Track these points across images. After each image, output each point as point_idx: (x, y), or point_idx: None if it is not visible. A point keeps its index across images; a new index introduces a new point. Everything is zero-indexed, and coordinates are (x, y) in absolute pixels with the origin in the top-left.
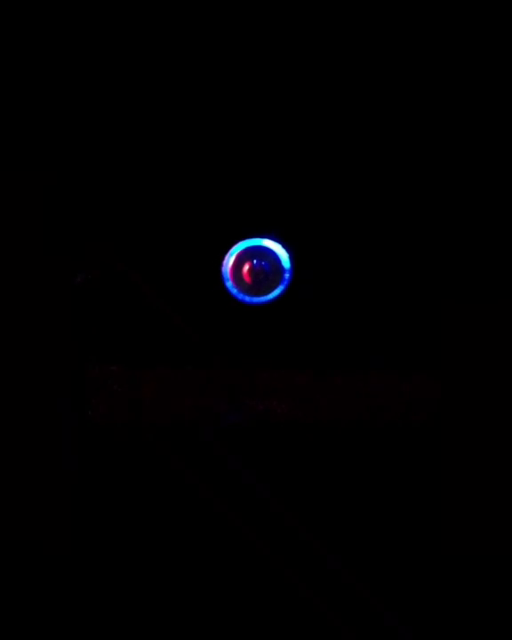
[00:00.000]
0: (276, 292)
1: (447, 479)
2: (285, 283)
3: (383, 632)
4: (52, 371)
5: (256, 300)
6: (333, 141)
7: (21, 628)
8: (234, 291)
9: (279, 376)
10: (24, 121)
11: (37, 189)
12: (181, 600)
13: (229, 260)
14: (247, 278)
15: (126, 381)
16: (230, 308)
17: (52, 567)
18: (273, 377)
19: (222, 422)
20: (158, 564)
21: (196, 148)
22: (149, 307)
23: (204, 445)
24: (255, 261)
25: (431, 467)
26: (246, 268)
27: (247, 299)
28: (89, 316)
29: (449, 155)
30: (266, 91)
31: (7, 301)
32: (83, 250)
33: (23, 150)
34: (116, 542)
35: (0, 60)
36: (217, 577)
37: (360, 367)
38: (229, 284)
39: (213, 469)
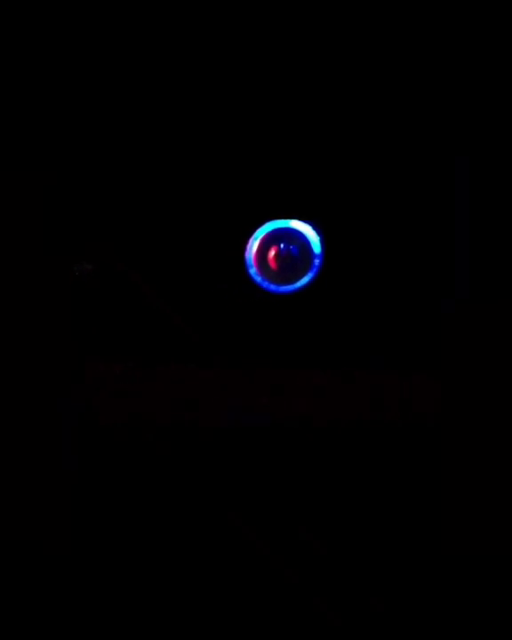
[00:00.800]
0: (305, 280)
1: (448, 479)
2: (315, 269)
3: (383, 632)
4: (52, 370)
5: (283, 288)
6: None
7: (21, 627)
8: (258, 279)
9: (280, 376)
10: (24, 121)
11: (38, 189)
12: (181, 600)
13: (253, 245)
14: (273, 265)
15: (127, 380)
16: (254, 298)
17: (52, 567)
18: (274, 376)
19: (223, 421)
20: (158, 564)
21: (215, 122)
22: (151, 305)
23: (204, 445)
24: (282, 246)
25: (431, 466)
26: (272, 253)
27: (273, 287)
28: (90, 315)
29: (451, 157)
30: (282, 70)
31: (8, 301)
32: (83, 249)
33: (23, 150)
34: (115, 542)
35: (0, 61)
36: (217, 577)
37: (360, 367)
38: (253, 271)
39: (213, 469)
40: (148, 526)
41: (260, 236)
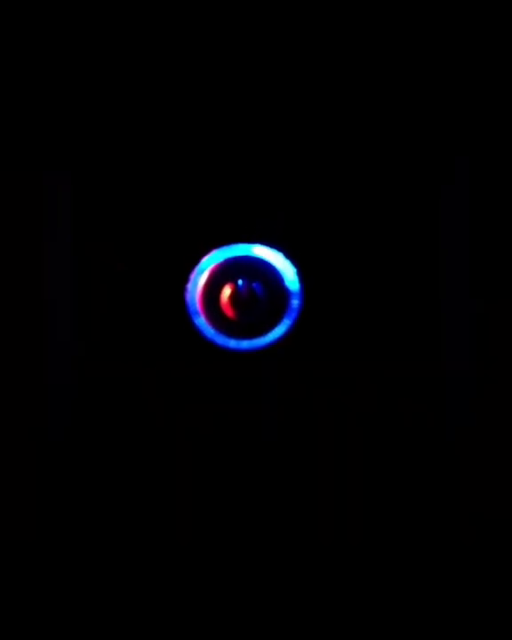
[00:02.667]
0: (279, 331)
1: (465, 468)
2: (293, 315)
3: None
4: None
5: (246, 344)
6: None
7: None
8: (209, 331)
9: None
10: (24, 121)
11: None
12: (181, 600)
13: (198, 282)
14: (230, 310)
15: (126, 377)
16: (204, 357)
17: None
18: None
19: None
20: (156, 562)
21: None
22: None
23: (204, 442)
24: (241, 282)
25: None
26: (227, 292)
27: (233, 343)
28: (91, 313)
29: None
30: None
31: (9, 300)
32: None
33: (23, 150)
34: (115, 541)
35: (2, 63)
36: (215, 575)
37: (369, 358)
38: (201, 320)
39: (212, 466)
40: (146, 525)
41: (208, 270)
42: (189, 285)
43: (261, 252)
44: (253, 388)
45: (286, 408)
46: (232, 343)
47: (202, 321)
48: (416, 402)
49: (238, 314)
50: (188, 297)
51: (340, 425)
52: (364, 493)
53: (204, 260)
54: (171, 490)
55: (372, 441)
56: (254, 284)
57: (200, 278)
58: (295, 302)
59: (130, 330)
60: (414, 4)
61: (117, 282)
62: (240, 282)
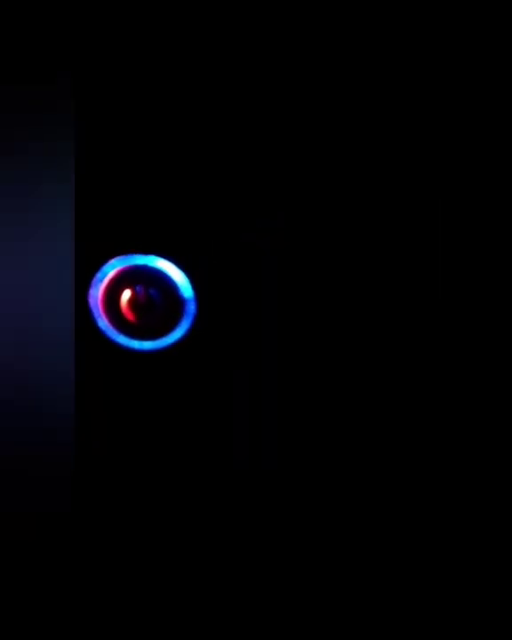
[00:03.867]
0: (179, 333)
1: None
2: (190, 317)
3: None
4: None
5: (148, 345)
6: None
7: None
8: (110, 332)
9: None
10: None
11: None
12: (183, 600)
13: (99, 287)
14: (129, 314)
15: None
16: (106, 358)
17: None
18: None
19: None
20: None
21: None
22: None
23: (204, 441)
24: (138, 288)
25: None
26: (126, 296)
27: (136, 345)
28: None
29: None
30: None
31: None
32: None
33: None
34: (115, 543)
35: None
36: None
37: None
38: (103, 322)
39: (213, 464)
40: (147, 528)
41: (108, 276)
42: (90, 289)
43: (156, 262)
44: None
45: None
46: (136, 345)
47: (104, 323)
48: None
49: (137, 317)
50: (90, 300)
51: None
52: None
53: (104, 268)
54: None
55: None
56: (151, 290)
57: (100, 284)
58: (191, 307)
59: None
60: None
61: None
62: (138, 287)
